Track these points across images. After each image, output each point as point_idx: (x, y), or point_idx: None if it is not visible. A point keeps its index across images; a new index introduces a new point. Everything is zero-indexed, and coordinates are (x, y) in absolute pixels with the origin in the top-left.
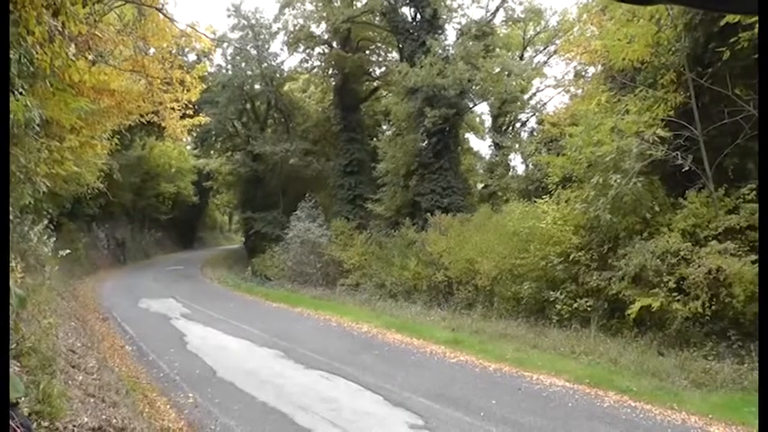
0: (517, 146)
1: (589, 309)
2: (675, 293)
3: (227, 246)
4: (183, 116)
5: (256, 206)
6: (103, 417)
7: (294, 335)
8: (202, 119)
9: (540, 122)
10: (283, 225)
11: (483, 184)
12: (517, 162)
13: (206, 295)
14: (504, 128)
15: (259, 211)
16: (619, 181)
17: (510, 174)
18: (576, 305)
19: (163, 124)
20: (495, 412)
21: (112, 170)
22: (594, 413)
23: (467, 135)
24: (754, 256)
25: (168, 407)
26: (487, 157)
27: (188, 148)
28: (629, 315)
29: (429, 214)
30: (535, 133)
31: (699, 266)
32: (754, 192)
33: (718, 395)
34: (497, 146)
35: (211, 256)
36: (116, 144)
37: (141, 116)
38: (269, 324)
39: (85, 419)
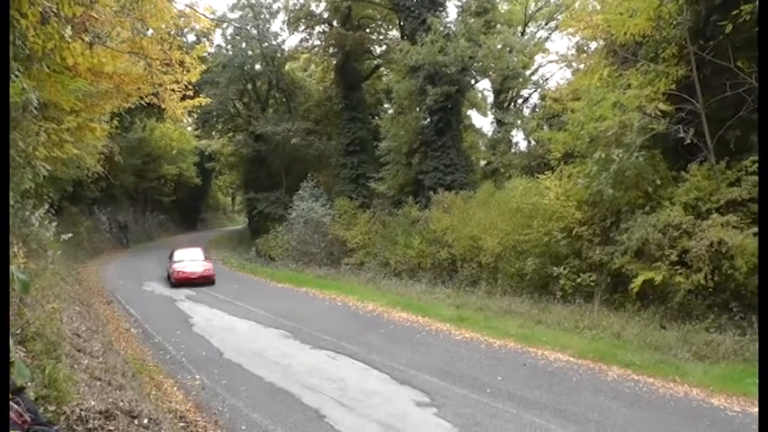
0: (519, 122)
1: (592, 283)
2: (678, 266)
3: (231, 227)
4: (184, 97)
5: (259, 186)
6: (110, 400)
7: (300, 315)
8: (203, 100)
9: (542, 98)
10: (286, 205)
11: (485, 161)
12: (519, 138)
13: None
14: (506, 104)
15: (262, 192)
16: (621, 155)
17: (512, 150)
18: (579, 280)
19: (163, 106)
20: (501, 388)
21: (113, 153)
22: (599, 387)
23: (469, 112)
24: (755, 229)
25: (175, 389)
26: (490, 133)
27: (189, 129)
28: (631, 289)
29: (432, 192)
30: (537, 109)
31: (701, 239)
32: (756, 164)
33: (720, 367)
34: (499, 122)
35: (215, 237)
36: (116, 126)
37: (141, 98)
38: (274, 304)
39: (92, 403)
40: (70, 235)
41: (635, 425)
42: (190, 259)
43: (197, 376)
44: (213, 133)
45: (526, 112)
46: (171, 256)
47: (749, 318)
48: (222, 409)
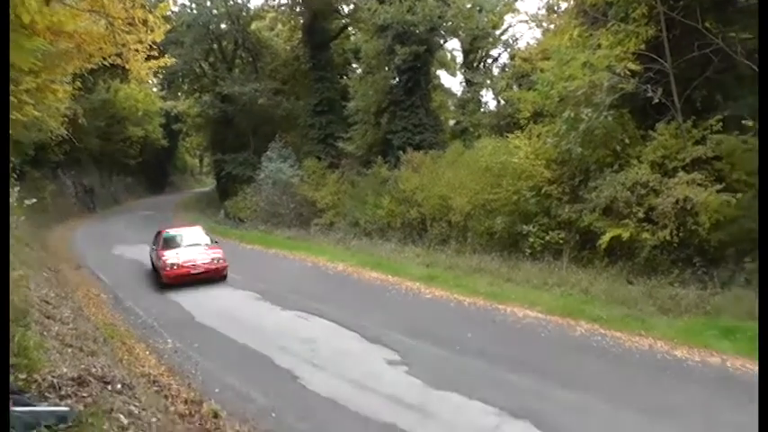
0: (489, 82)
1: (561, 241)
2: (644, 223)
3: (199, 189)
4: (148, 58)
5: (227, 148)
6: (82, 366)
7: (270, 276)
8: (168, 60)
9: (511, 58)
10: (255, 166)
11: (455, 121)
12: (489, 98)
13: None
14: (475, 64)
15: (230, 153)
16: (590, 115)
17: (481, 110)
18: (548, 238)
19: (127, 67)
20: (471, 345)
21: (76, 115)
22: (566, 342)
23: (438, 72)
24: (719, 186)
25: (148, 353)
26: (459, 93)
27: (155, 90)
28: (599, 246)
29: (401, 152)
30: (507, 69)
31: (667, 197)
32: (721, 123)
33: (683, 320)
34: (469, 82)
35: (183, 200)
36: (78, 88)
37: (104, 59)
38: (244, 266)
39: (64, 370)
40: (34, 200)
41: (602, 378)
42: (188, 244)
43: (169, 340)
44: (179, 94)
45: (496, 71)
46: (157, 240)
47: (711, 272)
48: (195, 372)
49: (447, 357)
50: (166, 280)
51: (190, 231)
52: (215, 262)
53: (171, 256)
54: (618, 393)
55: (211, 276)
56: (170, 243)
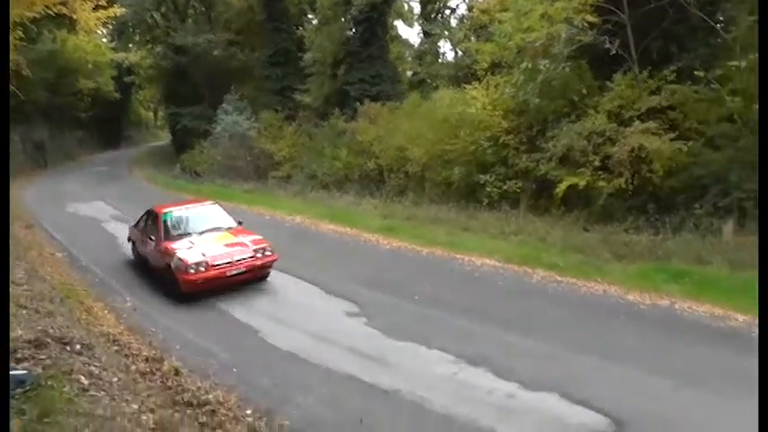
0: (446, 33)
1: (518, 190)
2: (600, 171)
3: (155, 143)
4: (96, 7)
5: (181, 101)
6: (39, 328)
7: None
8: (117, 10)
9: (469, 9)
10: (211, 119)
11: (412, 72)
12: (446, 49)
13: (136, 195)
14: (433, 15)
15: (184, 106)
16: (548, 66)
17: (439, 61)
18: (505, 187)
19: (74, 16)
20: (429, 295)
21: (20, 66)
22: (524, 290)
23: (395, 23)
24: (672, 134)
25: (107, 312)
26: (416, 45)
27: (104, 41)
28: (556, 194)
29: (358, 103)
30: (465, 20)
31: (623, 145)
32: (675, 74)
33: (636, 265)
34: (426, 33)
35: (138, 155)
36: (20, 38)
37: (47, 7)
38: None
39: (20, 332)
40: None
41: (558, 323)
42: (205, 229)
43: (128, 298)
44: (130, 45)
45: (454, 23)
46: (152, 225)
47: (663, 218)
48: (156, 330)
49: (405, 308)
50: (188, 288)
51: (204, 210)
52: (259, 256)
53: (190, 253)
54: (573, 338)
55: (254, 278)
56: (177, 230)
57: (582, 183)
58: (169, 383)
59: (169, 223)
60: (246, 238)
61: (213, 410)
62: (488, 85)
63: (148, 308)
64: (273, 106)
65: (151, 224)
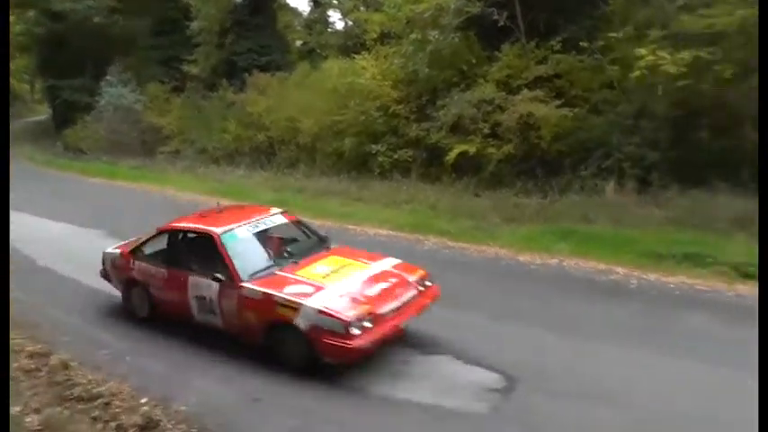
0: (336, 2)
1: (409, 159)
2: (490, 139)
3: (33, 118)
4: None
5: (60, 72)
6: None
7: (116, 211)
8: None
9: None
10: (93, 92)
11: (302, 42)
12: (336, 18)
13: (15, 176)
14: None
15: (64, 78)
16: (437, 37)
17: (329, 30)
18: (396, 156)
19: None
20: None
21: None
22: (415, 256)
23: None
24: (558, 102)
25: None
26: (306, 13)
27: None
28: (447, 162)
29: (247, 74)
30: None
31: (512, 113)
32: (561, 44)
33: (526, 228)
34: (316, 2)
35: (14, 131)
36: None
37: None
38: (88, 201)
39: None
40: None
41: (448, 286)
42: (300, 252)
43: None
44: None
45: None
46: (186, 254)
47: (550, 181)
48: (41, 321)
49: None
50: (346, 358)
51: (277, 222)
52: (422, 290)
53: (333, 299)
54: (465, 301)
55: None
56: (260, 260)
57: (472, 150)
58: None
59: (241, 250)
60: (387, 264)
61: None
62: (378, 55)
63: (32, 297)
64: (160, 78)
65: (195, 256)
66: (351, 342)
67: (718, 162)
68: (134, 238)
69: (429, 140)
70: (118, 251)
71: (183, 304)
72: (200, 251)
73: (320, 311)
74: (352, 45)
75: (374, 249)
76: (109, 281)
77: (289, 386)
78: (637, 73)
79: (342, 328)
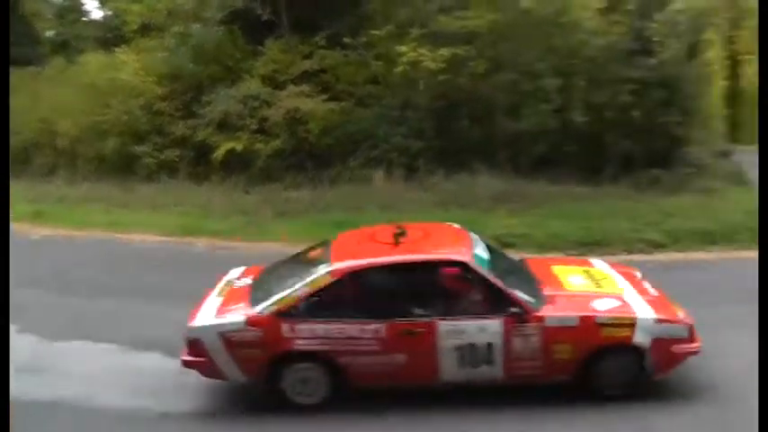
0: None
1: (177, 159)
2: (258, 134)
3: None
4: None
5: None
6: None
7: None
8: None
9: None
10: None
11: (54, 32)
12: (93, 7)
13: None
14: None
15: None
16: (199, 30)
17: (84, 20)
18: (163, 157)
19: None
20: (86, 283)
21: None
22: (185, 260)
23: None
24: (325, 96)
25: None
26: (57, 1)
27: None
28: (215, 160)
29: None
30: None
31: (279, 108)
32: (325, 40)
33: (298, 221)
34: None
35: None
36: None
37: None
38: None
39: None
40: None
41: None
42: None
43: None
44: None
45: None
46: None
47: (320, 174)
48: None
49: (57, 303)
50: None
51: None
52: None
53: (655, 307)
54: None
55: None
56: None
57: (240, 146)
58: None
59: (498, 275)
60: (606, 266)
61: None
62: (139, 48)
63: None
64: None
65: (420, 296)
66: (695, 343)
67: (477, 148)
68: (213, 297)
69: (196, 138)
70: (240, 318)
71: (420, 364)
72: (429, 288)
73: (659, 320)
74: (111, 37)
75: (143, 258)
76: (205, 369)
77: None
78: (400, 68)
79: (686, 332)
